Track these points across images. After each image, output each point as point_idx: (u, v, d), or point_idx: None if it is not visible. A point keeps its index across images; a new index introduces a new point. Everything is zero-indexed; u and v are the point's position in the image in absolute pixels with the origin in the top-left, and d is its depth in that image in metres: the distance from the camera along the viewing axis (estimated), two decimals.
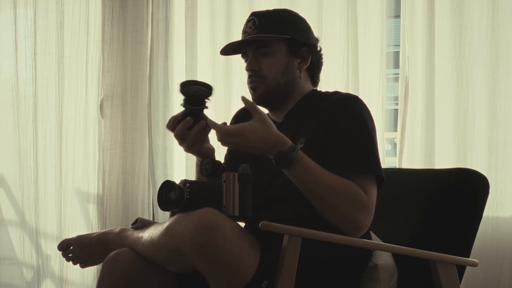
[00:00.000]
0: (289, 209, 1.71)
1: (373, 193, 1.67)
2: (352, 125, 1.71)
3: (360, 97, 1.83)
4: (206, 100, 1.71)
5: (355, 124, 1.72)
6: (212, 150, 1.84)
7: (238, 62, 2.84)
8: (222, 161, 1.96)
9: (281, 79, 1.82)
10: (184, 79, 2.99)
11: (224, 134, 1.61)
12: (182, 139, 1.75)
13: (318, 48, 1.90)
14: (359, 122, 1.72)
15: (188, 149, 1.78)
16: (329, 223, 1.65)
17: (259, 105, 1.85)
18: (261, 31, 1.81)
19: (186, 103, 1.70)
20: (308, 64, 1.87)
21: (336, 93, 1.85)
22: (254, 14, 1.85)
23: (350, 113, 1.73)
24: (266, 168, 1.75)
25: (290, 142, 1.61)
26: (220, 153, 2.05)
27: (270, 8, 1.91)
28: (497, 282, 2.47)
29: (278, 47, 1.81)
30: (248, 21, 1.85)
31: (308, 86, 1.89)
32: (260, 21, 1.82)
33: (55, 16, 3.20)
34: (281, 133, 1.62)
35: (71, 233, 3.10)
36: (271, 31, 1.81)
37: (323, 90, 1.93)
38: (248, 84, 1.86)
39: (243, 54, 1.87)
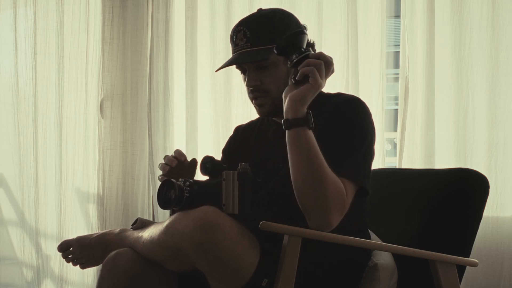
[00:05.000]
0: (289, 208, 1.70)
1: (349, 196, 1.63)
2: (347, 127, 1.69)
3: (360, 97, 1.81)
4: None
5: (350, 127, 1.69)
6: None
7: None
8: None
9: (284, 89, 1.75)
10: (184, 77, 3.00)
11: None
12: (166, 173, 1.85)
13: (312, 43, 1.81)
14: (354, 126, 1.70)
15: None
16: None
17: (267, 117, 1.84)
18: (254, 43, 1.72)
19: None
20: None
21: (339, 95, 1.82)
22: (242, 24, 1.76)
23: (348, 115, 1.71)
24: (265, 167, 1.75)
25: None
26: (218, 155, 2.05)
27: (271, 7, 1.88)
28: (497, 282, 2.47)
29: (275, 58, 1.73)
30: (238, 31, 1.75)
31: None
32: (251, 32, 1.73)
33: (55, 16, 3.20)
34: None
35: (71, 233, 3.11)
36: (265, 42, 1.72)
37: (324, 91, 1.92)
38: (251, 100, 1.80)
39: (238, 66, 1.80)
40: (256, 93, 1.76)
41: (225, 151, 2.03)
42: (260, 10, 1.81)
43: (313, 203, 1.58)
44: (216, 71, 1.89)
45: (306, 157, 1.57)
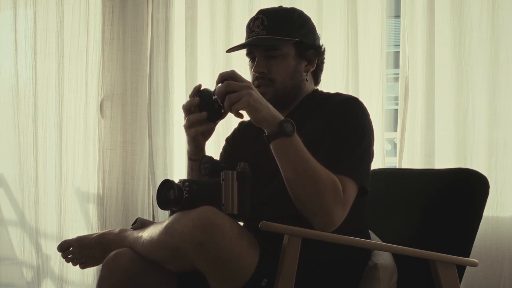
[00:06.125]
0: (289, 208, 1.70)
1: (350, 193, 1.63)
2: (345, 126, 1.70)
3: (360, 97, 1.82)
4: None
5: (348, 127, 1.70)
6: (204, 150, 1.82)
7: (238, 62, 2.84)
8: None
9: (289, 82, 1.80)
10: (184, 77, 3.00)
11: (234, 75, 1.58)
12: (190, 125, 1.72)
13: (322, 49, 1.88)
14: (352, 125, 1.70)
15: (190, 133, 1.75)
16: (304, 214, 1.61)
17: None
18: (270, 32, 1.76)
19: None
20: (315, 66, 1.86)
21: (337, 95, 1.83)
22: (262, 13, 1.80)
23: (346, 115, 1.72)
24: (264, 167, 1.74)
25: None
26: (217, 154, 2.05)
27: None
28: (497, 282, 2.47)
29: (287, 50, 1.78)
30: (256, 19, 1.79)
31: (311, 87, 1.89)
32: (269, 21, 1.77)
33: (55, 16, 3.20)
34: None
35: (71, 233, 3.11)
36: (281, 33, 1.76)
37: (323, 90, 1.92)
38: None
39: (248, 53, 1.83)
40: (261, 81, 1.78)
41: (228, 140, 2.03)
42: (280, 6, 1.87)
43: (310, 206, 1.59)
44: (227, 51, 1.90)
45: (290, 165, 1.59)
